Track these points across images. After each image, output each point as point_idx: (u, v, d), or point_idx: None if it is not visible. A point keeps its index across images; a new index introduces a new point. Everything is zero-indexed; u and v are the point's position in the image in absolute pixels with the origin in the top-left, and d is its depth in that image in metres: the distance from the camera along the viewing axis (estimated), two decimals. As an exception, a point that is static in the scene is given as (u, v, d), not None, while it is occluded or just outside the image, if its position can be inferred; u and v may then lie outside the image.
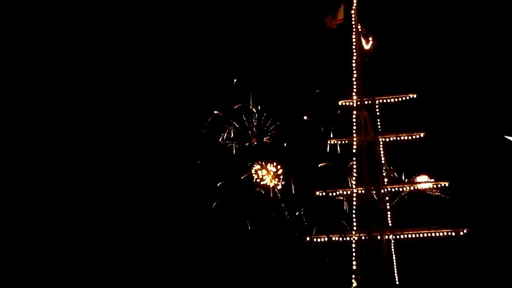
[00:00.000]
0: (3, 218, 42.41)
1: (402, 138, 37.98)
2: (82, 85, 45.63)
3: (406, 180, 38.45)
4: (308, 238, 37.53)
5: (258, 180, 40.38)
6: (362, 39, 37.62)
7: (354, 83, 37.55)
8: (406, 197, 38.04)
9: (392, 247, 37.70)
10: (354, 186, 37.16)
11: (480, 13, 43.13)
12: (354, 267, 36.03)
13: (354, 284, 35.72)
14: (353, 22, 37.71)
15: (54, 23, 45.77)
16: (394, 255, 37.71)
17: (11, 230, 42.35)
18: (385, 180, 37.60)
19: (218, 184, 40.80)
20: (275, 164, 40.28)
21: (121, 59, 45.78)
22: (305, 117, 40.35)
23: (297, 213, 39.80)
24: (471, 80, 42.79)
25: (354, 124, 37.37)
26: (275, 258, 41.08)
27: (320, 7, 39.67)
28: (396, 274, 37.67)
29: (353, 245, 36.44)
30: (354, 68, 37.50)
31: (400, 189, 38.05)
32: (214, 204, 40.85)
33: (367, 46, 37.81)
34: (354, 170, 37.10)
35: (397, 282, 37.57)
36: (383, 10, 41.01)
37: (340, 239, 36.73)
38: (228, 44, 45.04)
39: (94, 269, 42.04)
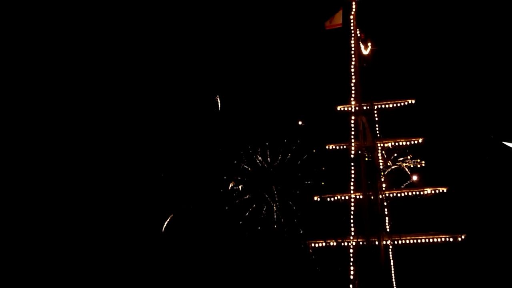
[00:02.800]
0: (3, 218, 42.42)
1: (400, 143, 37.99)
2: (86, 88, 45.83)
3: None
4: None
5: None
6: (361, 44, 37.62)
7: (353, 88, 37.54)
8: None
9: (390, 252, 37.65)
10: (352, 192, 37.11)
11: (478, 19, 43.24)
12: (352, 273, 35.96)
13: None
14: (352, 27, 37.72)
15: (54, 23, 45.84)
16: (392, 261, 37.64)
17: (11, 230, 42.34)
18: (383, 185, 37.58)
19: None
20: None
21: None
22: (300, 122, 40.19)
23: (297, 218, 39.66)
24: (469, 85, 42.87)
25: (353, 129, 37.33)
26: (274, 263, 41.08)
27: (319, 11, 39.78)
28: (393, 280, 37.60)
29: (351, 251, 36.40)
30: (352, 73, 37.49)
31: (398, 195, 38.03)
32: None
33: (365, 51, 37.82)
34: (352, 176, 37.06)
35: (395, 288, 37.56)
36: (382, 15, 41.08)
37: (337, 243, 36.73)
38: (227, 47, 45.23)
39: (93, 268, 42.05)
